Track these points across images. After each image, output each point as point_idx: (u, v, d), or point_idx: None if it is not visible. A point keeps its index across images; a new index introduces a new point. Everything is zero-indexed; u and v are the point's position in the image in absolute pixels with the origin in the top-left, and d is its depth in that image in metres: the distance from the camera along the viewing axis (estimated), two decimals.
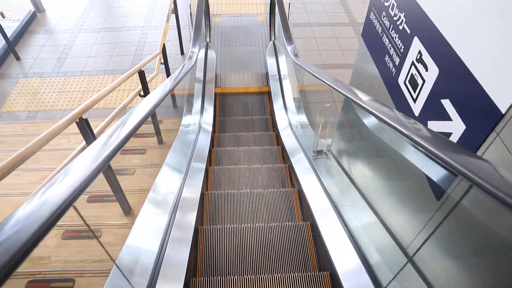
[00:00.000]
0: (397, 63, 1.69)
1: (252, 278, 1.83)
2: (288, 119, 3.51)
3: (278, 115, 3.64)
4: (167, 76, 4.32)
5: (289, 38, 3.52)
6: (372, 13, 2.01)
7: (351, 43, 5.82)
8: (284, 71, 4.57)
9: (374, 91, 2.04)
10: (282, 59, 4.75)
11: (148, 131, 3.72)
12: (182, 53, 5.47)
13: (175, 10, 4.80)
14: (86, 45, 5.62)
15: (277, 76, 4.60)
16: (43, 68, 5.22)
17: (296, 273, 1.84)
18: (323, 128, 2.73)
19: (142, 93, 3.17)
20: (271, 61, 4.91)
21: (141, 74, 2.98)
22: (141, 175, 3.04)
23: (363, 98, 1.71)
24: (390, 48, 1.75)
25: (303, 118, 3.32)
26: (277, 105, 3.92)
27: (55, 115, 4.54)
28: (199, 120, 3.50)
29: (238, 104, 4.57)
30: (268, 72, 4.87)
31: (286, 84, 4.25)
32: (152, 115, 3.41)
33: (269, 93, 4.78)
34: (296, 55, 3.13)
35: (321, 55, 5.56)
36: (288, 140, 3.08)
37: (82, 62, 5.32)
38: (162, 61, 4.07)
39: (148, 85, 4.83)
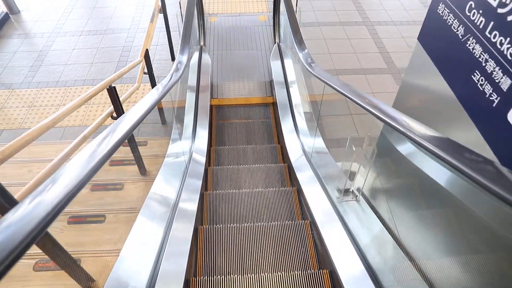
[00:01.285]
0: (505, 86, 0.99)
1: None
2: (301, 143, 2.81)
3: (288, 139, 2.93)
4: (152, 87, 3.63)
5: (300, 42, 2.82)
6: (441, 5, 1.30)
7: (365, 45, 5.12)
8: (291, 78, 3.87)
9: (444, 124, 1.35)
10: (289, 65, 4.05)
11: (127, 157, 3.01)
12: (173, 58, 4.77)
13: (163, 9, 4.10)
14: (63, 51, 4.93)
15: (284, 85, 3.90)
16: (13, 78, 4.53)
17: None
18: (353, 161, 2.06)
19: (114, 114, 2.47)
20: (276, 67, 4.21)
21: (111, 91, 2.28)
22: (113, 224, 2.34)
23: (429, 135, 1.04)
24: (487, 61, 1.05)
25: (319, 140, 2.62)
26: (286, 125, 3.21)
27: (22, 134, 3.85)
28: (190, 147, 2.79)
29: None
30: (273, 80, 4.17)
31: (296, 95, 3.55)
32: (129, 138, 2.72)
33: (274, 104, 4.09)
34: (310, 65, 2.43)
35: (332, 59, 4.85)
36: (306, 180, 2.38)
37: (58, 70, 4.62)
38: (146, 70, 3.37)
39: (132, 97, 4.13)
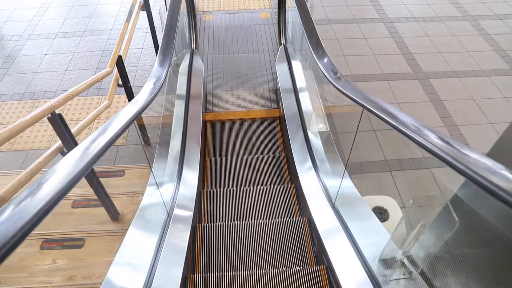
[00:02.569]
0: None
1: None
2: (321, 183, 2.11)
3: (304, 177, 2.23)
4: (129, 101, 2.91)
5: (317, 46, 2.12)
6: None
7: (385, 45, 4.41)
8: (302, 85, 3.17)
9: None
10: (298, 70, 3.34)
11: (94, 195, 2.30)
12: None
13: (146, 6, 3.40)
14: (34, 57, 4.23)
15: (294, 96, 3.20)
16: None
17: None
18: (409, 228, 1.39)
19: (65, 149, 1.78)
20: (283, 74, 3.50)
21: (55, 121, 1.59)
22: None
23: None
24: None
25: (348, 183, 1.92)
26: (303, 164, 2.50)
27: None
28: (173, 194, 2.08)
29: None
30: (279, 89, 3.48)
31: (310, 108, 2.85)
32: (88, 174, 2.04)
33: (281, 118, 3.40)
34: (337, 80, 1.73)
35: (347, 63, 4.15)
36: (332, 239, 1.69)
37: (26, 80, 3.93)
38: (120, 82, 2.69)
39: (104, 115, 3.44)
